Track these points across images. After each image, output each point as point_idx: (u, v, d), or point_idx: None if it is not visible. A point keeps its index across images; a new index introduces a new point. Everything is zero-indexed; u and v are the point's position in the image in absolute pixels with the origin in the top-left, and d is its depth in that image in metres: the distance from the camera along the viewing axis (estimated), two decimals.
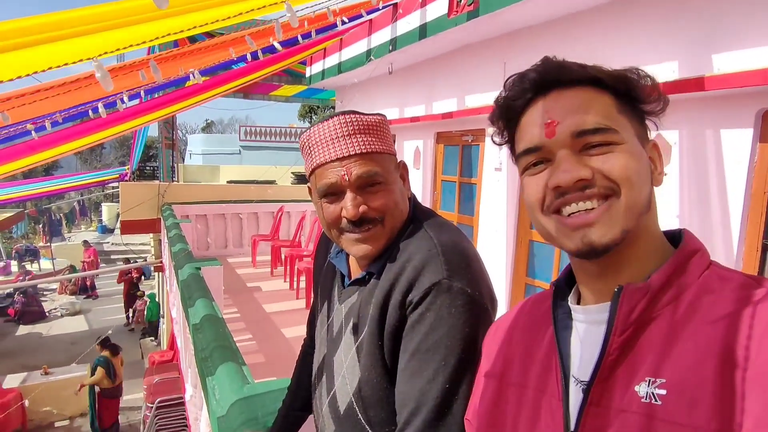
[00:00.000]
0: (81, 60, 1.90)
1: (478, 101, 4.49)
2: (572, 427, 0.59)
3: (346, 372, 1.00)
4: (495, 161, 4.30)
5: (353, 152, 0.94)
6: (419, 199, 4.77)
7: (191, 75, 3.43)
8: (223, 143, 28.64)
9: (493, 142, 0.72)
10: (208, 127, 45.45)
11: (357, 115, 0.98)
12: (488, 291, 0.92)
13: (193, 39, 7.42)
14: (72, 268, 17.45)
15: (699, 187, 2.79)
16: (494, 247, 4.40)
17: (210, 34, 7.44)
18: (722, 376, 0.49)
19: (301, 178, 14.00)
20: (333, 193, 0.96)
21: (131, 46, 2.10)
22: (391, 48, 4.98)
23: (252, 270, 7.85)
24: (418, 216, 1.02)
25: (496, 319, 0.87)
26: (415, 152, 5.60)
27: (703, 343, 0.52)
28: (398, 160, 1.05)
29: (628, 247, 0.59)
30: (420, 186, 5.51)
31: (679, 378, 0.51)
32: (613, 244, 0.57)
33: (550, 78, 0.63)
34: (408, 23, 4.70)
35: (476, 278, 0.89)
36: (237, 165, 23.38)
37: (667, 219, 2.91)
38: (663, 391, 0.52)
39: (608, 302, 0.60)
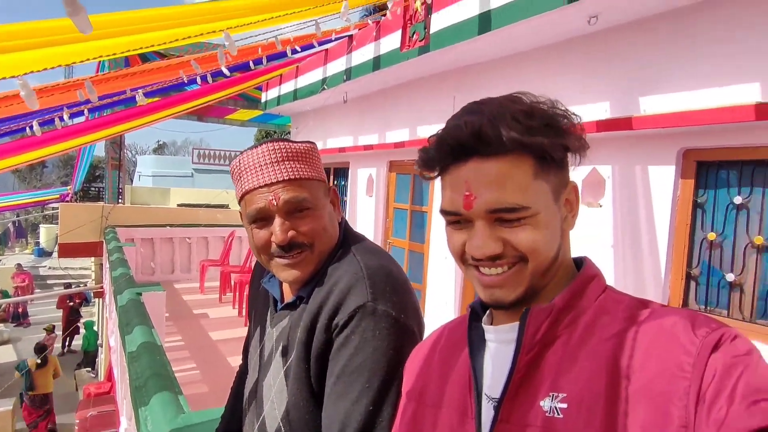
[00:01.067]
0: (4, 77, 1.84)
1: (429, 132, 4.61)
2: None
3: (274, 396, 1.00)
4: None
5: (281, 178, 0.95)
6: (372, 226, 4.79)
7: (136, 96, 3.36)
8: (175, 165, 27.90)
9: (423, 177, 0.74)
10: (160, 149, 44.19)
11: (285, 143, 0.99)
12: (415, 314, 0.94)
13: (144, 58, 7.29)
14: (3, 294, 16.22)
15: (630, 218, 2.98)
16: (444, 274, 4.47)
17: (162, 55, 7.34)
18: (613, 390, 0.53)
19: None
20: (262, 219, 0.97)
21: (59, 66, 2.05)
22: (345, 78, 5.08)
23: (199, 296, 7.58)
24: (348, 240, 1.04)
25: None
26: (368, 180, 5.67)
27: (597, 360, 0.57)
28: (328, 186, 1.07)
29: (535, 290, 0.64)
30: (373, 213, 5.56)
31: (577, 392, 0.56)
32: (517, 301, 0.62)
33: (470, 147, 0.63)
34: (362, 55, 4.82)
35: (402, 301, 0.91)
36: (189, 188, 22.77)
37: (602, 249, 3.07)
38: (564, 405, 0.56)
39: (517, 322, 0.64)
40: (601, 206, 3.11)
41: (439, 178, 0.72)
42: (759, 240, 2.47)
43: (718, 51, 2.54)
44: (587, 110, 3.19)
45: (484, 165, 0.62)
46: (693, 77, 2.63)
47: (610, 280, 2.94)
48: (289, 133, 10.63)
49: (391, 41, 4.45)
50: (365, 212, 5.71)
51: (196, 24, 2.24)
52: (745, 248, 2.54)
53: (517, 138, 0.61)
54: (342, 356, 0.87)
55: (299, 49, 4.36)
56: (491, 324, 0.72)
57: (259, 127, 14.96)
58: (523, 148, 0.61)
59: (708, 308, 2.69)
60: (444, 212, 0.67)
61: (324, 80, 5.53)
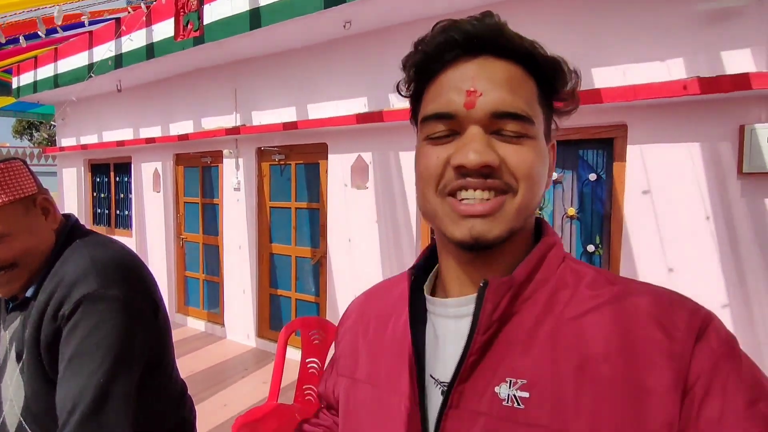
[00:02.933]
0: None
1: (214, 124, 4.61)
2: None
3: (13, 395, 1.01)
4: (234, 181, 4.49)
5: None
6: (162, 222, 4.61)
7: None
8: None
9: (399, 93, 0.62)
10: None
11: None
12: (147, 297, 1.03)
13: None
14: None
15: (388, 195, 3.52)
16: (240, 264, 4.56)
17: None
18: (582, 377, 0.48)
19: None
20: None
21: None
22: (114, 64, 4.70)
23: None
24: (75, 237, 1.08)
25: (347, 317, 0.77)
26: (154, 174, 5.36)
27: (561, 341, 0.51)
28: (35, 196, 1.06)
29: (507, 242, 0.55)
30: (162, 209, 5.29)
31: (540, 378, 0.49)
32: (498, 240, 0.52)
33: (486, 39, 0.53)
34: (134, 41, 4.52)
35: (132, 285, 1.00)
36: None
37: (369, 224, 3.57)
38: (525, 394, 0.49)
39: (470, 295, 0.57)
40: (367, 188, 3.59)
41: (411, 105, 0.62)
42: None
43: None
44: (350, 104, 3.63)
45: (495, 64, 0.53)
46: None
47: (376, 250, 3.50)
48: (53, 124, 9.18)
49: (165, 29, 4.29)
50: (154, 209, 5.40)
51: None
52: None
53: (535, 47, 0.54)
54: (72, 340, 0.92)
55: (43, 35, 3.88)
56: (432, 294, 0.63)
57: (16, 116, 12.50)
58: (538, 60, 0.54)
59: None
60: (432, 117, 0.54)
61: (91, 66, 5.00)
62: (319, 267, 4.09)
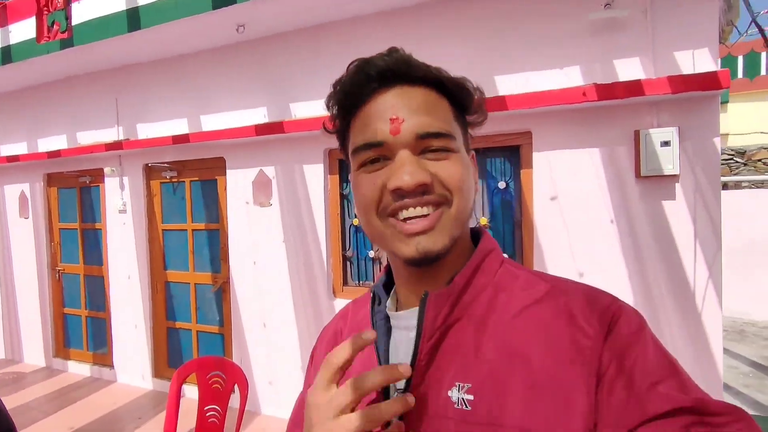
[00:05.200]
0: None
1: (91, 138, 4.06)
2: None
3: None
4: (118, 202, 3.97)
5: None
6: (33, 253, 3.98)
7: None
8: None
9: (325, 130, 0.67)
10: None
11: None
12: None
13: None
14: None
15: (295, 212, 3.26)
16: (130, 296, 4.02)
17: None
18: (516, 378, 0.52)
19: None
20: None
21: None
22: None
23: None
24: None
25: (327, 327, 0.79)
26: (20, 198, 4.62)
27: (500, 343, 0.55)
28: None
29: (449, 252, 0.59)
30: (32, 238, 4.57)
31: (483, 380, 0.53)
32: (444, 251, 0.57)
33: (397, 71, 0.59)
34: None
35: None
36: None
37: (276, 245, 3.29)
38: (471, 397, 0.53)
39: (417, 308, 0.60)
40: (271, 205, 3.31)
41: (338, 142, 0.66)
42: None
43: (336, 63, 3.00)
44: (249, 115, 3.33)
45: (410, 91, 0.59)
46: (322, 86, 3.05)
47: (284, 272, 3.13)
48: None
49: (26, 29, 3.71)
50: (21, 238, 4.64)
51: None
52: None
53: (441, 72, 0.60)
54: None
55: None
56: (395, 310, 0.67)
57: None
58: (442, 88, 0.60)
59: (360, 282, 3.19)
60: (362, 147, 0.59)
61: None
62: (221, 294, 3.71)
